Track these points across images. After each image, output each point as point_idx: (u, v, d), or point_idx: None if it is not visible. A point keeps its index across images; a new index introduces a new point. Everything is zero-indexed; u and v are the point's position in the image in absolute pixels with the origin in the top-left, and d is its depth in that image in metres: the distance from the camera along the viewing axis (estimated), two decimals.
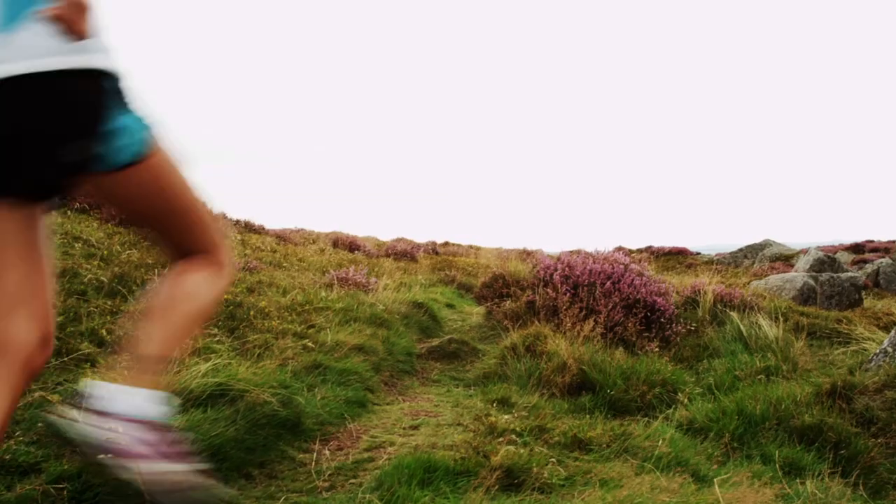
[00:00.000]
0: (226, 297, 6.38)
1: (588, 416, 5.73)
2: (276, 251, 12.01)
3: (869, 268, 23.04)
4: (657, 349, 7.11)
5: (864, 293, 11.23)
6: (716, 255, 29.03)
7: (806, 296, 10.65)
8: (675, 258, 27.69)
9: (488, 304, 7.93)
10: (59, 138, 1.65)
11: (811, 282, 10.68)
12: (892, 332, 7.15)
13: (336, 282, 8.84)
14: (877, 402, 6.08)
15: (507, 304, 7.58)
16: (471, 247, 30.10)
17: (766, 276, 23.27)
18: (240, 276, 7.94)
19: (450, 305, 10.15)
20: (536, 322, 7.19)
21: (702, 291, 8.55)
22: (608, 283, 7.34)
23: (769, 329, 8.00)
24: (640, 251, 30.10)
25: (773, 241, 28.34)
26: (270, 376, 4.76)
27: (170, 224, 1.99)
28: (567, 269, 7.46)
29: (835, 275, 10.81)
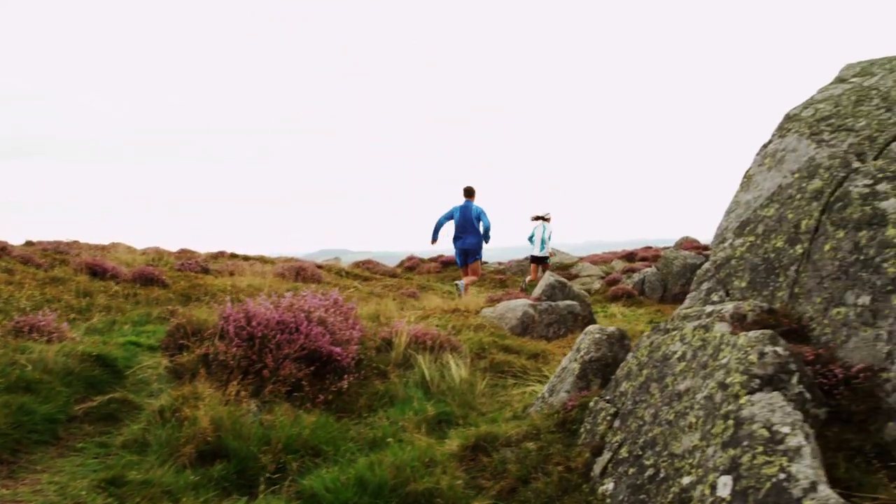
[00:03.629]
0: None
1: (213, 492, 5.63)
2: None
3: (636, 277, 24.71)
4: (326, 403, 7.14)
5: (605, 309, 11.92)
6: (498, 264, 30.09)
7: (526, 324, 11.18)
8: (463, 268, 28.41)
9: (168, 354, 7.67)
10: None
11: (531, 310, 11.22)
12: (553, 376, 7.59)
13: None
14: (513, 455, 6.39)
15: (184, 356, 7.35)
16: (258, 258, 29.49)
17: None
18: None
19: (154, 348, 9.76)
20: (202, 378, 7.01)
21: (397, 333, 8.71)
22: (284, 334, 7.29)
23: (456, 371, 8.26)
24: (431, 260, 30.74)
25: (556, 250, 29.80)
26: None
27: None
28: (244, 318, 7.34)
29: (553, 303, 11.42)
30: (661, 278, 22.97)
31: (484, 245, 18.74)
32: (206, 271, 21.50)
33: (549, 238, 23.87)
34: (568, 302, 11.72)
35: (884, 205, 5.42)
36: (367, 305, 13.64)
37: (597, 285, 25.53)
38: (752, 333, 5.08)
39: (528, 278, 24.30)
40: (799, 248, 5.94)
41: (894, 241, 5.14)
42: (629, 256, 28.22)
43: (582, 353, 7.11)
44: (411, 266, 29.46)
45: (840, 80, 7.38)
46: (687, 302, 7.06)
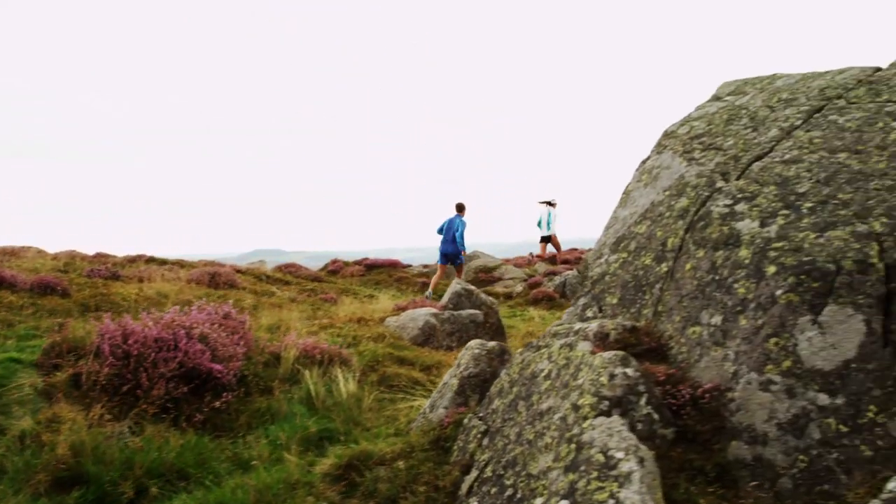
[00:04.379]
0: None
1: None
2: None
3: (558, 279, 24.95)
4: (204, 423, 7.00)
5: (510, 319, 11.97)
6: (423, 267, 30.08)
7: (427, 334, 11.17)
8: (387, 271, 28.36)
9: (42, 373, 7.42)
10: None
11: (432, 320, 11.22)
12: (435, 391, 7.58)
13: None
14: (385, 474, 6.36)
15: (57, 376, 7.12)
16: (177, 262, 28.86)
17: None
18: None
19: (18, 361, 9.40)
20: (71, 400, 6.79)
21: (286, 347, 8.61)
22: (162, 352, 7.12)
23: (344, 386, 8.20)
24: (356, 263, 30.55)
25: (482, 253, 29.94)
26: None
27: None
28: (121, 336, 7.14)
29: (455, 313, 11.45)
30: (581, 281, 23.24)
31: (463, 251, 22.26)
32: (115, 277, 20.92)
33: (553, 221, 27.75)
34: (470, 311, 11.77)
35: (739, 225, 5.55)
36: (272, 314, 13.46)
37: (519, 288, 25.71)
38: (606, 354, 5.16)
39: (536, 254, 28.56)
40: (664, 267, 6.05)
41: (745, 262, 5.27)
42: (552, 259, 28.52)
43: (461, 368, 7.13)
44: (335, 269, 29.25)
45: (716, 97, 7.56)
46: (564, 317, 7.15)
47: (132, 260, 28.65)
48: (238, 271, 26.24)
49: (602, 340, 5.68)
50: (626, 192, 7.31)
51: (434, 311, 11.64)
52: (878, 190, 5.09)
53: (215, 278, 21.17)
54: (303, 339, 9.10)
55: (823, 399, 4.53)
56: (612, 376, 4.90)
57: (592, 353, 5.41)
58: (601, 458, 4.25)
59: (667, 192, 6.57)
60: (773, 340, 4.79)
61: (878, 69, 6.48)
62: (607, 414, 4.77)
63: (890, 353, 4.45)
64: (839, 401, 4.49)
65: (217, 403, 7.29)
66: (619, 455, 4.18)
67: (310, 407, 7.82)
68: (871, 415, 4.39)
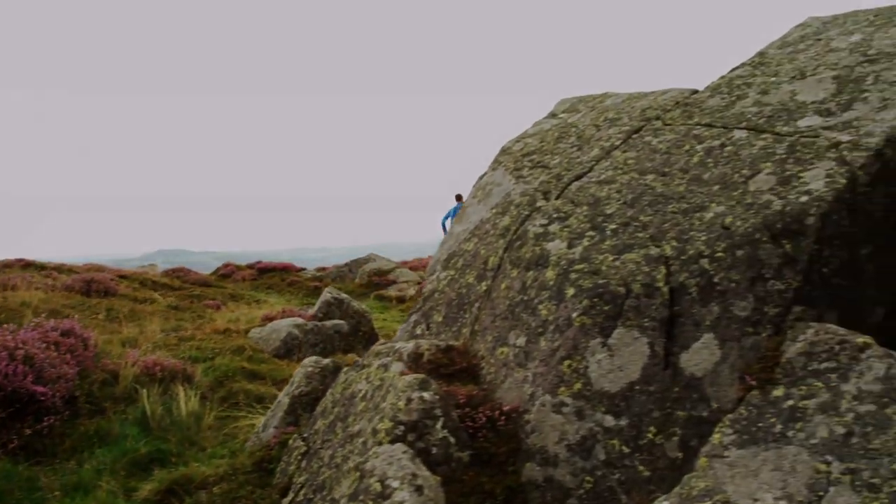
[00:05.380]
0: None
1: None
2: None
3: None
4: (22, 448, 6.70)
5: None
6: (317, 270, 29.80)
7: (289, 346, 11.04)
8: (279, 275, 27.95)
9: None
10: None
11: (295, 331, 11.09)
12: (271, 409, 7.47)
13: None
14: (206, 498, 6.22)
15: None
16: (56, 267, 27.79)
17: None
18: None
19: None
20: None
21: (125, 364, 8.34)
22: None
23: (185, 404, 8.00)
24: (249, 267, 30.03)
25: (378, 256, 29.86)
26: None
27: None
28: None
29: (319, 324, 11.35)
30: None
31: None
32: None
33: None
34: (335, 321, 11.68)
35: (549, 246, 5.65)
36: (137, 326, 13.07)
37: (412, 291, 25.73)
38: (408, 378, 5.17)
39: None
40: (484, 285, 6.11)
41: (550, 284, 5.37)
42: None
43: (294, 386, 7.05)
44: (226, 273, 28.67)
45: (552, 114, 7.69)
46: (399, 333, 7.15)
47: (8, 265, 27.44)
48: (122, 276, 25.44)
49: (416, 361, 5.70)
50: (464, 208, 7.36)
51: (299, 321, 11.50)
52: (674, 213, 5.25)
53: (91, 285, 20.44)
54: (146, 356, 8.85)
55: (609, 421, 4.65)
56: (409, 401, 4.92)
57: (402, 374, 5.42)
58: (378, 487, 4.25)
59: (494, 210, 6.65)
60: (566, 363, 4.89)
61: (695, 91, 6.70)
62: (402, 439, 4.78)
63: (670, 375, 4.60)
64: (623, 422, 4.62)
65: (39, 427, 7.00)
66: (395, 484, 4.19)
67: (144, 428, 7.60)
68: (650, 436, 4.53)
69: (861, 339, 4.21)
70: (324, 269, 32.00)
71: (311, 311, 13.01)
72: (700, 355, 4.58)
